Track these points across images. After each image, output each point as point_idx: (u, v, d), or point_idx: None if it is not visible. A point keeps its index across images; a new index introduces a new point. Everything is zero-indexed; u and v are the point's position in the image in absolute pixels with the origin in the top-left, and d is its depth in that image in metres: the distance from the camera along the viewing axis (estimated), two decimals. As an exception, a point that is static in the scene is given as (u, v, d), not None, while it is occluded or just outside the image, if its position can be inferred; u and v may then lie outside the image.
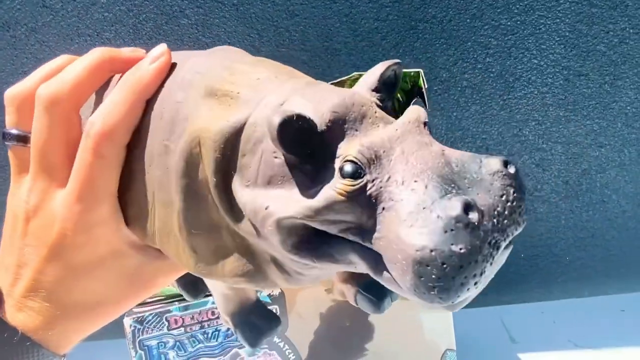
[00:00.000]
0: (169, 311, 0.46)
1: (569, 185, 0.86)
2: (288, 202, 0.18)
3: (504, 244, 0.16)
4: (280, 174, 0.18)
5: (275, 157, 0.19)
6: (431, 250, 0.14)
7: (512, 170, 0.16)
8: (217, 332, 0.48)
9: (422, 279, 0.15)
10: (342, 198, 0.17)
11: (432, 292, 0.15)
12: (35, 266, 0.24)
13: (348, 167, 0.17)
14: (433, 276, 0.15)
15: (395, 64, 0.20)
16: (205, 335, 0.47)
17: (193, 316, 0.47)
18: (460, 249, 0.14)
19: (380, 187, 0.17)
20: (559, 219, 0.87)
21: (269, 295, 0.49)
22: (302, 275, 0.22)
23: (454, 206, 0.14)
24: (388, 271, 0.16)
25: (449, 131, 0.86)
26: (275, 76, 0.21)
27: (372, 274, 0.17)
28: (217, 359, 0.48)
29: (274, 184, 0.18)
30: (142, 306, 0.46)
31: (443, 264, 0.14)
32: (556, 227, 0.87)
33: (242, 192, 0.19)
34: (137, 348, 0.46)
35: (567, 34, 0.81)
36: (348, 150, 0.17)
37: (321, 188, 0.17)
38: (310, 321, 0.50)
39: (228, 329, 0.48)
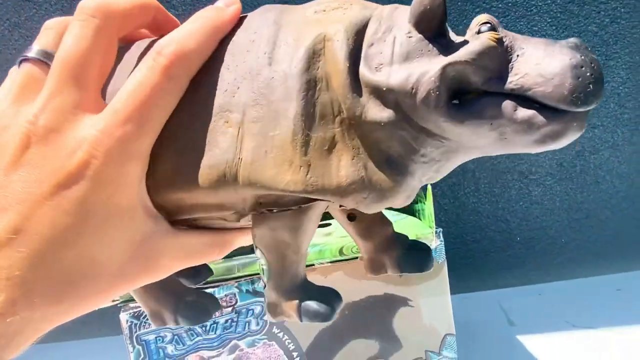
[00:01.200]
0: (165, 305, 0.45)
1: (563, 167, 0.87)
2: (441, 60, 0.20)
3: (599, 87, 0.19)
4: (419, 48, 0.20)
5: (410, 37, 0.20)
6: (580, 56, 0.19)
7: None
8: (215, 325, 0.47)
9: (580, 79, 0.18)
10: (494, 43, 0.19)
11: (589, 89, 0.18)
12: (24, 210, 0.17)
13: (485, 27, 0.20)
14: (588, 74, 0.18)
15: None
16: (204, 328, 0.47)
17: (190, 309, 0.46)
18: (592, 59, 0.19)
19: (511, 40, 0.20)
20: (554, 201, 0.88)
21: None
22: (411, 178, 0.22)
23: (573, 39, 0.19)
24: (528, 108, 0.19)
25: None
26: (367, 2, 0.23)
27: (509, 120, 0.19)
28: (216, 351, 0.48)
29: (413, 58, 0.20)
30: (138, 301, 0.46)
31: (591, 62, 0.19)
32: (551, 209, 0.88)
33: (376, 74, 0.21)
34: (135, 343, 0.45)
35: (559, 14, 0.81)
36: (477, 21, 0.20)
37: (461, 50, 0.20)
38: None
39: (226, 321, 0.48)
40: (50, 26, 0.22)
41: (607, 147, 0.85)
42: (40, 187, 0.18)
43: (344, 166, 0.21)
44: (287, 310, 0.24)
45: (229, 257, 0.50)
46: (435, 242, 0.50)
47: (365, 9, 0.22)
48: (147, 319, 0.45)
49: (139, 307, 0.46)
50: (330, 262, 0.49)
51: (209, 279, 0.34)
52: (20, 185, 0.18)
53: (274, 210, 0.23)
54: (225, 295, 0.48)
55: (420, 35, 0.20)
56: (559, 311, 0.72)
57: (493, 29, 0.20)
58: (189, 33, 0.20)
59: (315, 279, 0.49)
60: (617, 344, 0.62)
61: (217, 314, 0.48)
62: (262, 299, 0.49)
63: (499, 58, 0.20)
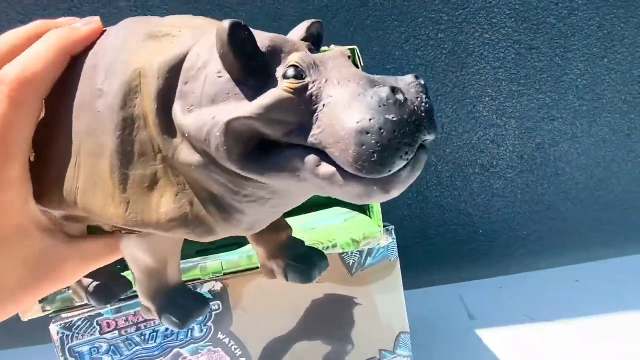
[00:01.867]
0: (100, 315, 0.43)
1: (524, 160, 0.87)
2: (236, 108, 0.18)
3: (423, 137, 0.18)
4: (226, 91, 0.19)
5: (220, 76, 0.19)
6: (370, 119, 0.17)
7: (422, 82, 0.18)
8: (155, 334, 0.45)
9: (364, 147, 0.16)
10: (289, 95, 0.18)
11: (373, 159, 0.16)
12: None
13: (291, 71, 0.18)
14: (373, 142, 0.16)
15: (318, 22, 0.22)
16: (143, 337, 0.45)
17: (127, 318, 0.44)
18: (393, 117, 0.17)
19: (320, 88, 0.18)
20: (515, 194, 0.88)
21: (210, 291, 0.46)
22: (242, 215, 0.22)
23: (384, 89, 0.17)
24: (330, 164, 0.18)
25: None
26: (210, 22, 0.23)
27: (312, 175, 0.18)
28: (158, 361, 0.46)
29: (219, 101, 0.19)
30: (70, 311, 0.43)
31: (380, 129, 0.16)
32: (513, 202, 0.88)
33: (185, 117, 0.20)
34: (68, 356, 0.43)
35: (518, 7, 0.80)
36: (289, 60, 0.19)
37: (255, 101, 0.18)
38: (258, 316, 0.48)
39: (167, 330, 0.45)
40: None
41: (566, 139, 0.86)
42: None
43: (165, 203, 0.21)
44: (154, 313, 0.26)
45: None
46: (385, 240, 0.48)
47: (190, 39, 0.21)
48: (80, 330, 0.43)
49: (71, 317, 0.43)
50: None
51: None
52: None
53: (122, 232, 0.24)
54: (166, 302, 0.46)
55: (227, 77, 0.19)
56: (518, 304, 0.72)
57: (300, 73, 0.18)
58: (35, 56, 0.20)
59: (265, 284, 0.47)
60: (574, 336, 0.62)
61: (156, 321, 0.45)
62: (206, 304, 0.47)
63: (297, 109, 0.18)
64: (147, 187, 0.21)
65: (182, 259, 0.47)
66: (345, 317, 0.51)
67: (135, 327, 0.45)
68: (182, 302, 0.25)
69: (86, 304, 0.44)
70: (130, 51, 0.21)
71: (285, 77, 0.18)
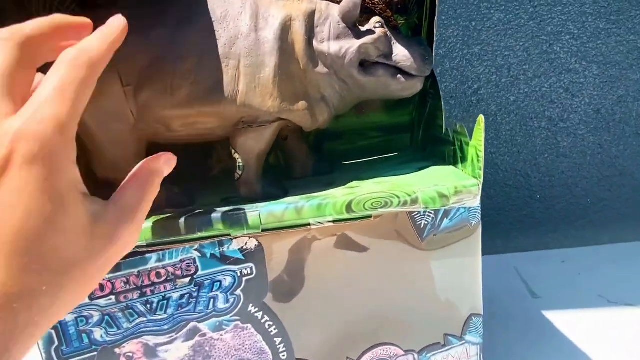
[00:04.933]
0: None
1: (600, 115, 0.73)
2: (356, 40, 0.37)
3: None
4: (344, 33, 0.37)
5: (339, 24, 0.37)
6: (424, 49, 0.38)
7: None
8: (165, 302, 0.33)
9: (427, 58, 0.38)
10: (382, 34, 0.38)
11: (427, 62, 0.38)
12: None
13: (379, 24, 0.38)
14: (426, 57, 0.38)
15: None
16: (149, 306, 0.33)
17: (128, 279, 0.32)
18: (427, 51, 0.39)
19: (390, 35, 0.38)
20: (584, 155, 0.75)
21: (241, 250, 0.34)
22: (334, 109, 0.40)
23: (424, 48, 0.39)
24: (401, 75, 0.38)
25: (464, 45, 0.70)
26: None
27: (388, 78, 0.38)
28: (167, 337, 0.34)
29: (340, 38, 0.37)
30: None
31: (427, 57, 0.38)
32: (580, 164, 0.75)
33: (320, 45, 0.37)
34: (45, 326, 0.31)
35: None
36: (374, 20, 0.38)
37: (367, 36, 0.37)
38: (298, 283, 0.36)
39: (182, 297, 0.34)
40: None
41: (654, 93, 0.72)
42: None
43: (300, 99, 0.37)
44: (256, 190, 0.38)
45: (189, 212, 0.35)
46: (479, 194, 0.36)
47: (311, 3, 0.38)
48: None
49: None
50: (333, 221, 0.34)
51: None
52: None
53: (253, 126, 0.37)
54: (181, 261, 0.34)
55: (344, 25, 0.37)
56: (588, 283, 0.61)
57: (382, 26, 0.38)
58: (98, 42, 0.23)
59: (307, 242, 0.35)
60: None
61: (167, 286, 0.33)
62: (233, 267, 0.34)
63: (385, 42, 0.38)
64: (292, 88, 0.37)
65: (206, 205, 0.34)
66: (407, 292, 0.39)
67: (139, 291, 0.33)
68: (275, 183, 0.39)
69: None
70: (271, 5, 0.37)
71: (375, 27, 0.37)
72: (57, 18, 0.24)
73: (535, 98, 0.72)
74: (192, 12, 0.35)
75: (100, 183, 0.38)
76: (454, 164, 0.40)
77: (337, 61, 0.37)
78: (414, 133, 0.50)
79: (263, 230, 0.34)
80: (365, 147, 0.51)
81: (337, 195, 0.35)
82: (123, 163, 0.36)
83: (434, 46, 0.42)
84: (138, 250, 0.33)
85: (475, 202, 0.36)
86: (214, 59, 0.34)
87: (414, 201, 0.35)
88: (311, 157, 0.45)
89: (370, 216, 0.35)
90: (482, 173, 0.35)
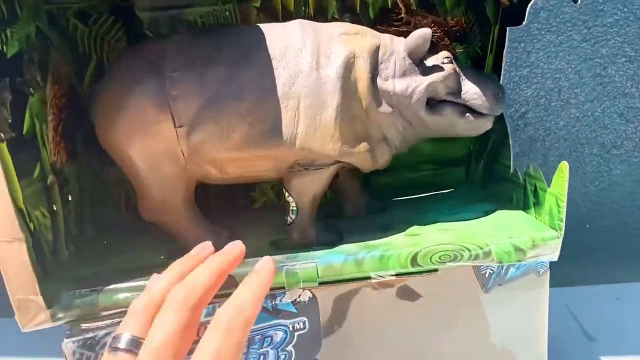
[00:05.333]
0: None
1: (658, 142, 0.68)
2: (424, 78, 0.34)
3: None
4: (410, 69, 0.35)
5: (405, 61, 0.35)
6: (499, 87, 0.35)
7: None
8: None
9: (500, 96, 0.35)
10: (452, 71, 0.35)
11: (500, 100, 0.35)
12: None
13: (447, 60, 0.35)
14: (500, 95, 0.35)
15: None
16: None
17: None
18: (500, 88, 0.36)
19: (459, 70, 0.35)
20: (639, 184, 0.70)
21: (294, 303, 0.31)
22: (395, 149, 0.37)
23: (498, 84, 0.37)
24: (470, 114, 0.35)
25: (512, 67, 0.67)
26: (365, 28, 0.36)
27: (458, 118, 0.35)
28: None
29: (406, 75, 0.35)
30: (93, 321, 0.29)
31: (500, 95, 0.35)
32: (633, 192, 0.70)
33: (384, 83, 0.35)
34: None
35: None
36: (442, 55, 0.35)
37: (436, 73, 0.35)
38: (359, 342, 0.34)
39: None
40: (138, 311, 0.26)
41: None
42: None
43: (362, 141, 0.34)
44: (309, 236, 0.36)
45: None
46: (559, 246, 0.33)
47: (374, 37, 0.35)
48: (102, 349, 0.29)
49: (95, 330, 0.29)
50: (396, 274, 0.32)
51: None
52: None
53: (309, 168, 0.35)
54: (231, 315, 0.31)
55: (410, 61, 0.35)
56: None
57: (451, 61, 0.35)
58: (202, 279, 0.27)
59: (366, 296, 0.32)
60: None
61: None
62: (285, 322, 0.32)
63: (454, 79, 0.35)
64: (353, 130, 0.34)
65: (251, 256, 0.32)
66: (466, 343, 0.36)
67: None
68: (330, 227, 0.37)
69: (118, 312, 0.30)
70: (333, 41, 0.34)
71: (443, 63, 0.35)
72: (222, 265, 0.27)
73: (587, 123, 0.68)
74: (249, 48, 0.32)
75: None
76: (524, 208, 0.37)
77: (403, 100, 0.34)
78: (470, 167, 0.47)
79: (320, 284, 0.31)
80: (414, 180, 0.48)
81: (400, 245, 0.32)
82: (171, 206, 0.34)
83: (501, 79, 0.39)
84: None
85: (554, 256, 0.32)
86: (272, 99, 0.32)
87: (487, 254, 0.31)
88: (364, 195, 0.42)
89: (436, 270, 0.32)
90: (563, 225, 0.31)
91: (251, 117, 0.32)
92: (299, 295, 0.32)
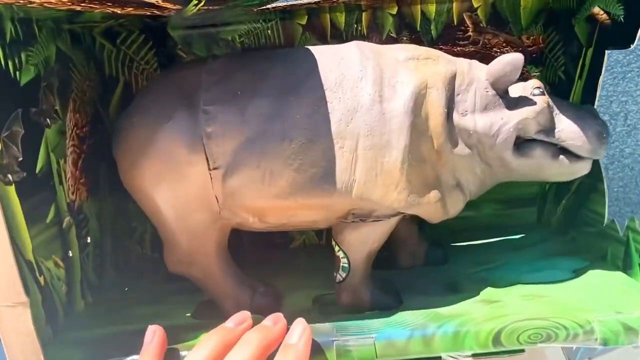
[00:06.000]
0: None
1: None
2: (513, 115, 0.28)
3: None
4: (493, 102, 0.29)
5: (487, 91, 0.28)
6: (602, 124, 0.29)
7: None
8: None
9: (604, 136, 0.28)
10: (546, 105, 0.28)
11: (603, 142, 0.28)
12: None
13: (538, 90, 0.29)
14: (604, 135, 0.28)
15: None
16: None
17: None
18: (604, 125, 0.29)
19: (552, 103, 0.29)
20: None
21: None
22: (469, 196, 0.30)
23: (601, 121, 0.30)
24: (564, 156, 0.29)
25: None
26: (435, 51, 0.30)
27: (548, 160, 0.29)
28: None
29: (489, 109, 0.29)
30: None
31: (604, 135, 0.28)
32: None
33: (462, 119, 0.28)
34: None
35: None
36: (531, 84, 0.29)
37: (526, 108, 0.28)
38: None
39: None
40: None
41: None
42: None
43: (432, 189, 0.28)
44: (362, 297, 0.30)
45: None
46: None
47: (449, 63, 0.29)
48: None
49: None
50: (473, 355, 0.26)
51: None
52: None
53: (367, 220, 0.29)
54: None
55: (494, 92, 0.29)
56: None
57: (543, 93, 0.29)
58: None
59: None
60: None
61: None
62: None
63: (548, 115, 0.29)
64: (423, 176, 0.28)
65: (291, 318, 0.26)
66: None
67: None
68: (386, 287, 0.32)
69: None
70: (399, 67, 0.28)
71: (533, 94, 0.29)
72: (262, 347, 0.24)
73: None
74: (298, 78, 0.27)
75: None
76: (625, 270, 0.30)
77: (485, 140, 0.28)
78: (545, 209, 0.41)
79: (380, 364, 0.25)
80: (475, 221, 0.41)
81: (478, 318, 0.26)
82: (201, 258, 0.29)
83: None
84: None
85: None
86: (325, 139, 0.27)
87: (588, 333, 0.25)
88: (423, 242, 0.36)
89: (522, 350, 0.26)
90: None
91: (299, 161, 0.27)
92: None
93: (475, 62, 0.29)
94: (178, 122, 0.26)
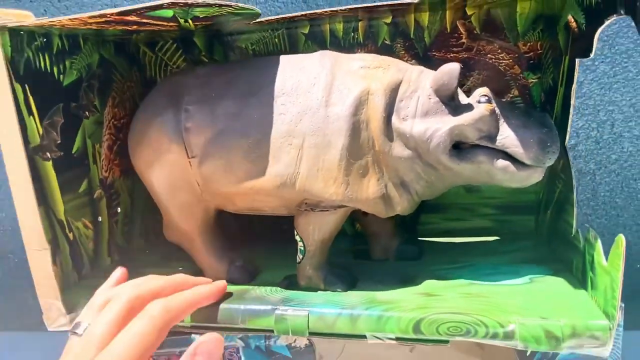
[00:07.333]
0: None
1: None
2: (449, 119, 0.30)
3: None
4: (435, 108, 0.30)
5: (430, 99, 0.30)
6: (548, 134, 0.29)
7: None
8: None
9: (548, 145, 0.28)
10: (488, 113, 0.29)
11: (548, 150, 0.28)
12: None
13: (484, 98, 0.30)
14: (548, 143, 0.28)
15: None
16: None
17: (169, 358, 0.30)
18: (550, 134, 0.29)
19: (499, 110, 0.29)
20: None
21: (289, 347, 0.30)
22: (416, 196, 0.32)
23: (542, 114, 0.30)
24: (511, 163, 0.29)
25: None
26: (394, 60, 0.33)
27: (491, 166, 0.29)
28: None
29: (429, 115, 0.30)
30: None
31: (549, 143, 0.28)
32: None
33: (401, 124, 0.30)
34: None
35: None
36: (479, 92, 0.30)
37: (465, 114, 0.29)
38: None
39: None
40: (99, 306, 0.27)
41: None
42: None
43: (372, 185, 0.31)
44: (315, 280, 0.33)
45: (239, 297, 0.32)
46: (611, 339, 0.25)
47: (399, 72, 0.31)
48: None
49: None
50: (396, 338, 0.28)
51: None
52: None
53: (315, 210, 0.32)
54: (225, 349, 0.30)
55: (437, 99, 0.30)
56: None
57: (489, 101, 0.30)
58: (181, 303, 0.27)
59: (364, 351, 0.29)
60: None
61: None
62: (279, 366, 0.30)
63: (490, 123, 0.29)
64: (361, 173, 0.31)
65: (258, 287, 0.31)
66: None
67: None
68: (339, 273, 0.34)
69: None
70: (348, 75, 0.31)
71: (479, 102, 0.30)
72: (201, 297, 0.29)
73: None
74: (262, 83, 0.31)
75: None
76: (583, 283, 0.30)
77: (421, 144, 0.30)
78: (539, 218, 0.40)
79: (310, 334, 0.29)
80: (474, 226, 0.42)
81: (405, 306, 0.28)
82: (187, 231, 0.35)
83: (570, 119, 0.31)
84: (182, 329, 0.31)
85: (604, 351, 0.25)
86: (276, 136, 0.30)
87: (508, 336, 0.26)
88: (395, 238, 0.38)
89: (447, 341, 0.27)
90: (617, 313, 0.24)
91: (254, 154, 0.31)
92: (295, 340, 0.30)
93: (426, 71, 0.31)
94: (165, 118, 0.32)
